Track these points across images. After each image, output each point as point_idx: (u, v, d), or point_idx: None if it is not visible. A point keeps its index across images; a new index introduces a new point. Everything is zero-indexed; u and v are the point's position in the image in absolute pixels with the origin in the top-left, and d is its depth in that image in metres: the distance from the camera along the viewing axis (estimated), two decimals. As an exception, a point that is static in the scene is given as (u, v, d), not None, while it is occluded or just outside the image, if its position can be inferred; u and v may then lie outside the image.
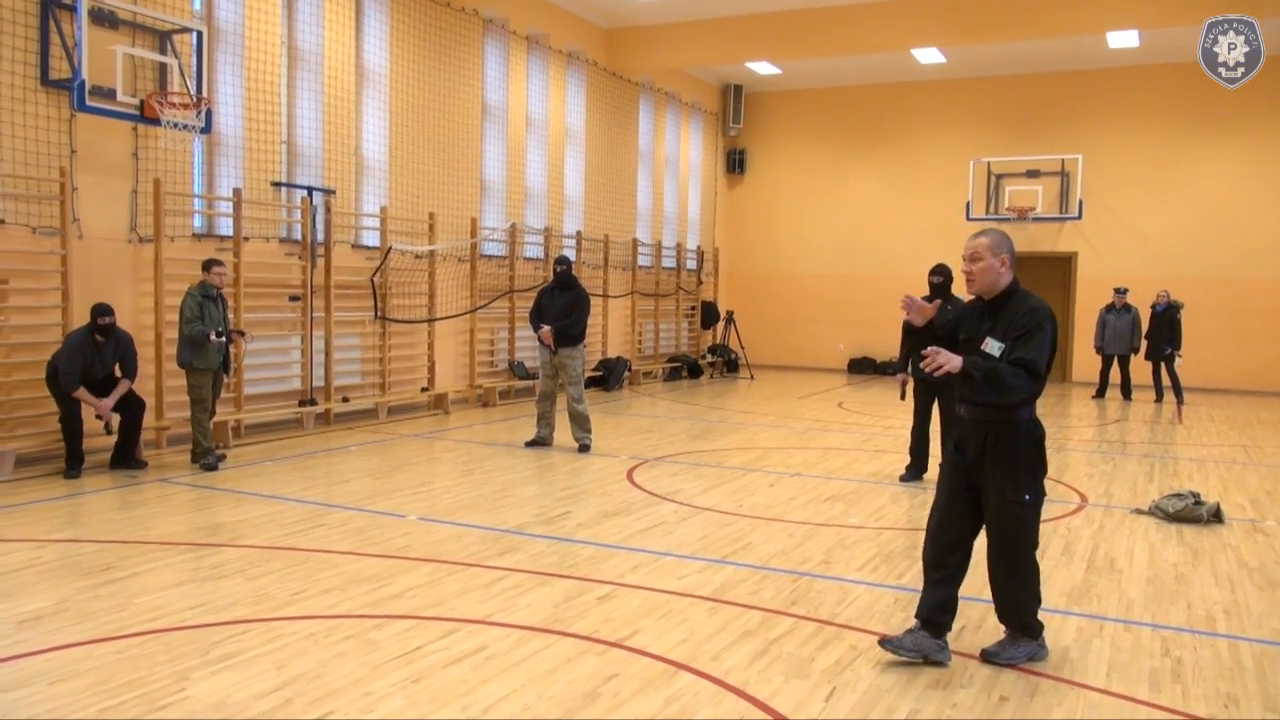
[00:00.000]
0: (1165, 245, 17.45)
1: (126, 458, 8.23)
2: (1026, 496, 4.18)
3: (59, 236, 8.40)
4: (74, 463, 7.89)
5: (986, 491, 4.25)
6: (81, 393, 7.83)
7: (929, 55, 16.73)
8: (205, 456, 8.37)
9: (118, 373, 8.14)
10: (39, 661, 4.13)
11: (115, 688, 3.87)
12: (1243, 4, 11.20)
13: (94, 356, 7.89)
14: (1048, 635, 4.70)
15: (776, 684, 4.05)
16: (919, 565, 5.84)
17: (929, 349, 4.05)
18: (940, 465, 4.53)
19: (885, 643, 4.30)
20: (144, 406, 8.30)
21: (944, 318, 8.25)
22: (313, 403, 10.74)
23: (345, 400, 11.23)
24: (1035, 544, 4.32)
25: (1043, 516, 7.16)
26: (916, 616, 4.35)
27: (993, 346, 4.16)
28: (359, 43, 11.69)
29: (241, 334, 9.09)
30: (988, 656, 4.28)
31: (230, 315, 8.98)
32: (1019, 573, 4.30)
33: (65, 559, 5.65)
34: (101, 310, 7.88)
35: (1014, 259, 4.29)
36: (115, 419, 8.14)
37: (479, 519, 6.81)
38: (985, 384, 4.03)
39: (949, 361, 4.00)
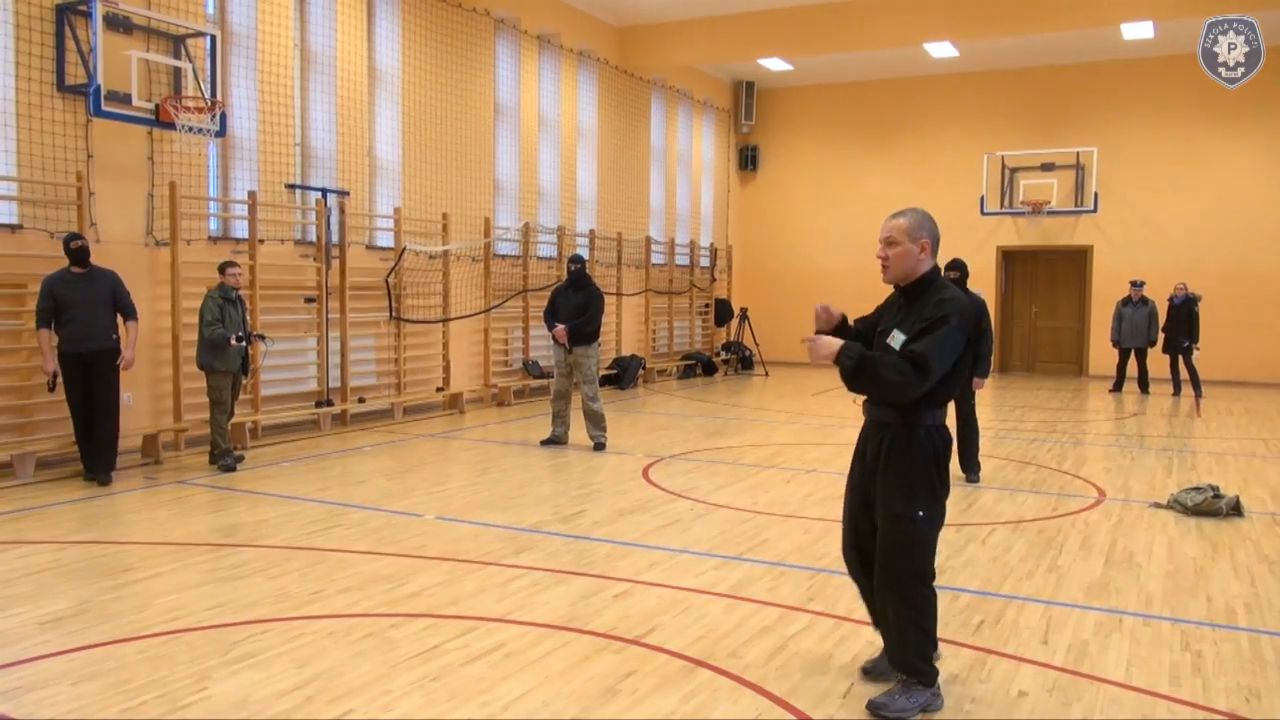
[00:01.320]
0: (1182, 237, 17.33)
1: (96, 465, 7.80)
2: (920, 513, 3.69)
3: (77, 241, 8.47)
4: (91, 464, 7.89)
5: (878, 505, 3.81)
6: (42, 338, 7.56)
7: (941, 49, 16.66)
8: (223, 458, 8.42)
9: (123, 345, 7.92)
10: (61, 662, 4.17)
11: (137, 688, 3.90)
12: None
13: (75, 293, 7.59)
14: (1064, 631, 4.69)
15: (795, 680, 4.05)
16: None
17: (807, 337, 3.73)
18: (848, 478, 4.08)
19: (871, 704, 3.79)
20: (111, 413, 7.85)
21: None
22: (329, 404, 10.79)
23: (361, 401, 11.28)
24: (929, 572, 3.79)
25: (1055, 512, 7.27)
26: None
27: (896, 339, 3.70)
28: (371, 44, 11.73)
29: (262, 338, 9.12)
30: (872, 707, 3.73)
31: (249, 318, 9.02)
32: (910, 604, 3.74)
33: (86, 560, 5.69)
34: (71, 236, 7.69)
35: (936, 244, 3.79)
36: (56, 373, 7.63)
37: (495, 518, 6.84)
38: (855, 376, 3.59)
39: (823, 349, 3.63)
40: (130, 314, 8.02)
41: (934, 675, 3.79)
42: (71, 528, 6.46)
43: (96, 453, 7.84)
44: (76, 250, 7.67)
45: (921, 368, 3.54)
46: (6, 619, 4.69)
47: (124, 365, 7.92)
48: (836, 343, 3.66)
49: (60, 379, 7.70)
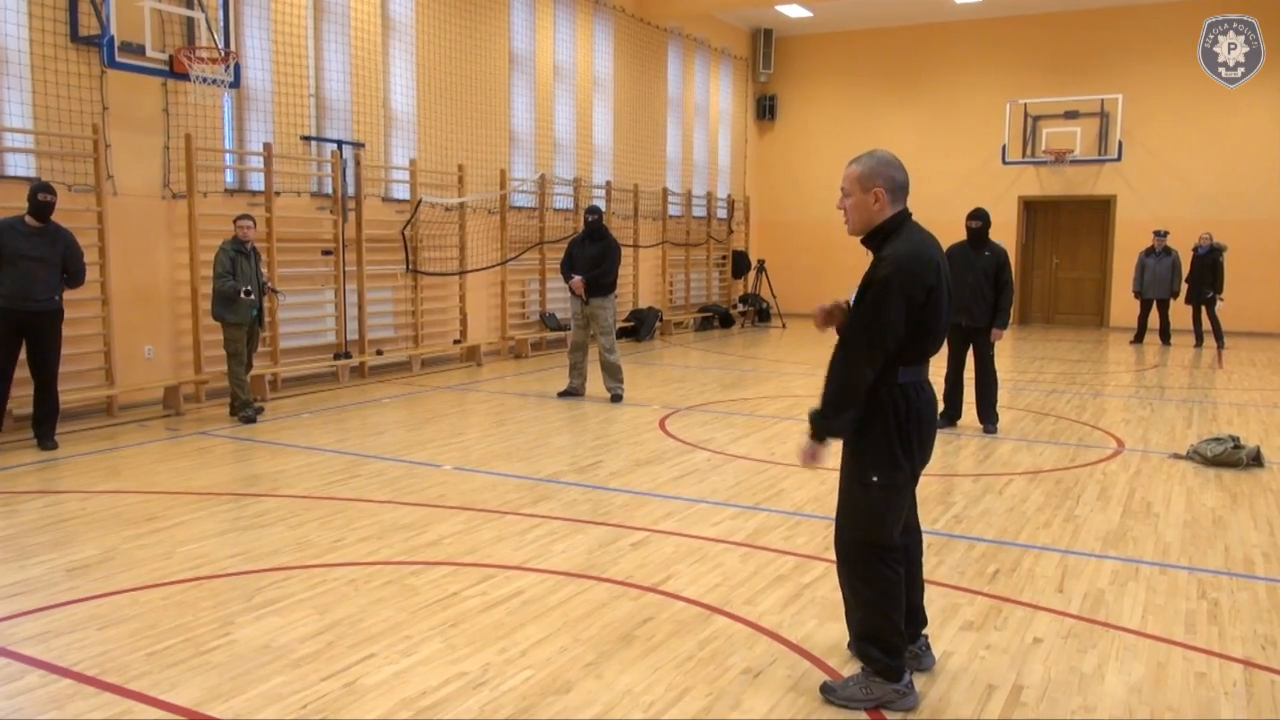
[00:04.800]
0: (1208, 187, 17.05)
1: (41, 435, 7.39)
2: (875, 478, 3.32)
3: (94, 194, 8.48)
4: (36, 432, 7.36)
5: (841, 464, 3.49)
6: None
7: (964, -6, 16.32)
8: (244, 409, 8.49)
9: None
10: (89, 607, 4.25)
11: (162, 632, 3.97)
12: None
13: (23, 245, 7.03)
14: (1080, 580, 4.70)
15: (810, 627, 4.08)
16: (951, 511, 5.86)
17: (802, 456, 3.43)
18: None
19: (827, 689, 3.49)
20: (50, 378, 7.34)
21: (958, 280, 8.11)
22: (347, 356, 10.84)
23: (379, 353, 11.33)
24: (887, 547, 3.36)
25: (1073, 462, 7.24)
26: None
27: (853, 298, 3.41)
28: (385, -7, 11.61)
29: (276, 291, 9.14)
30: (823, 688, 3.47)
31: (264, 270, 9.01)
32: (863, 580, 3.38)
33: (111, 509, 5.78)
34: (41, 185, 7.14)
35: (896, 190, 3.36)
36: None
37: (513, 468, 6.88)
38: (836, 412, 3.32)
39: (815, 455, 3.39)
40: (78, 280, 7.47)
41: (898, 670, 3.35)
42: (96, 478, 6.55)
43: (41, 420, 7.38)
44: (43, 204, 7.11)
45: (853, 346, 3.27)
46: (35, 566, 4.77)
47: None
48: (806, 441, 3.37)
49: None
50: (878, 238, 3.38)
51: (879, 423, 3.32)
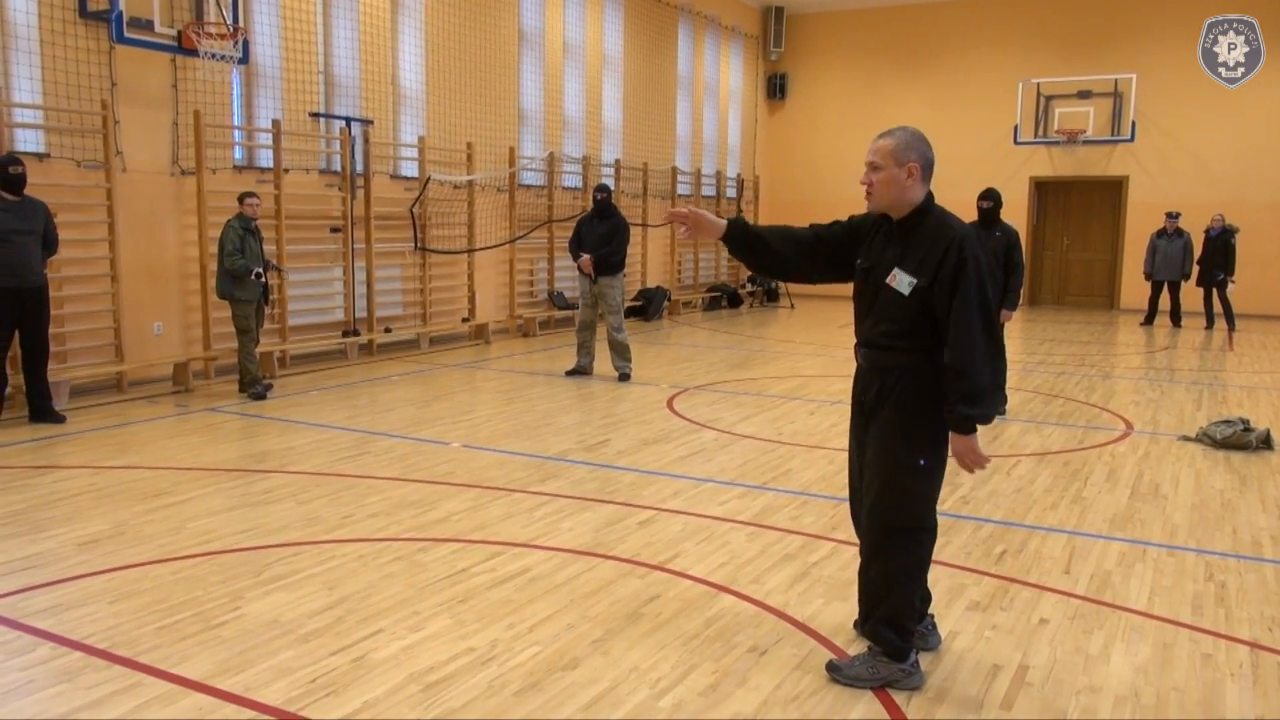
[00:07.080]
0: (1221, 168, 16.92)
1: (41, 411, 7.41)
2: (922, 461, 3.31)
3: (103, 170, 8.48)
4: (36, 410, 7.35)
5: (871, 451, 3.40)
6: None
7: (977, -28, 16.17)
8: (253, 386, 8.52)
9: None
10: (99, 581, 4.28)
11: (172, 606, 4.00)
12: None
13: (7, 221, 6.97)
14: (1087, 561, 4.69)
15: (816, 606, 4.09)
16: (959, 492, 5.85)
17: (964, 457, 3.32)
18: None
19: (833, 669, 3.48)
20: (48, 353, 7.42)
21: (989, 244, 8.11)
22: (356, 333, 10.86)
23: (387, 331, 11.34)
24: (925, 528, 3.39)
25: (1082, 444, 7.23)
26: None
27: (902, 282, 3.26)
28: (393, -31, 11.54)
29: (278, 269, 9.13)
30: (830, 666, 3.46)
31: (264, 249, 8.97)
32: (896, 561, 3.36)
33: (121, 485, 5.81)
34: (10, 159, 7.03)
35: (928, 168, 3.29)
36: None
37: (521, 446, 6.90)
38: (993, 396, 3.28)
39: (977, 460, 3.33)
40: (55, 249, 7.44)
41: (906, 651, 3.37)
42: (106, 453, 6.59)
43: (44, 397, 7.42)
44: (14, 176, 7.00)
45: (991, 341, 3.22)
46: (46, 540, 4.81)
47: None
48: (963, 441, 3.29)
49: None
50: (916, 219, 3.31)
51: (933, 406, 3.30)
